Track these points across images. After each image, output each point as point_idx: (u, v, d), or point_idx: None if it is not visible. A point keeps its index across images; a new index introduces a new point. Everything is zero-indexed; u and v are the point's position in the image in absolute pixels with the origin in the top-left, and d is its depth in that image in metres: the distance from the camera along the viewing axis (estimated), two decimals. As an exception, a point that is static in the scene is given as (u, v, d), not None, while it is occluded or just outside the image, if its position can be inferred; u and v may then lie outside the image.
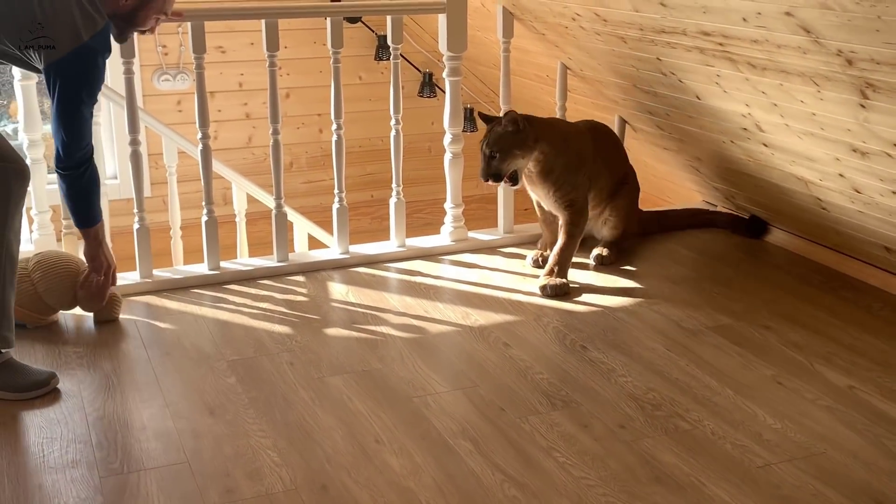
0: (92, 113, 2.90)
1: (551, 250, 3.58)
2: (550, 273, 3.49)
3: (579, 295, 3.45)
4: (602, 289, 3.50)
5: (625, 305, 3.35)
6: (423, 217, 5.80)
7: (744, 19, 2.48)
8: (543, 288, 3.45)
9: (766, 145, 3.21)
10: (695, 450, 2.45)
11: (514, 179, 3.42)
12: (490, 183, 3.40)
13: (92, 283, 3.10)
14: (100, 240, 3.06)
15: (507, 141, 3.35)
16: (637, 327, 3.18)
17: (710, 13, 2.57)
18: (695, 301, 3.37)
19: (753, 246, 3.92)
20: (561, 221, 3.54)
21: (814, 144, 2.91)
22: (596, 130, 3.72)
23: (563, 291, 3.44)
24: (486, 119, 3.47)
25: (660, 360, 2.95)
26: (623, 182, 3.73)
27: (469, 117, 5.74)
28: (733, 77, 2.88)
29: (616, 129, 4.18)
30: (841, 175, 2.98)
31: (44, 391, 2.73)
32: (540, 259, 3.68)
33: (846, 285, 3.51)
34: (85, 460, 2.41)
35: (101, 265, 3.09)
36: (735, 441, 2.49)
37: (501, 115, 3.54)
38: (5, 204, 2.72)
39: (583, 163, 3.53)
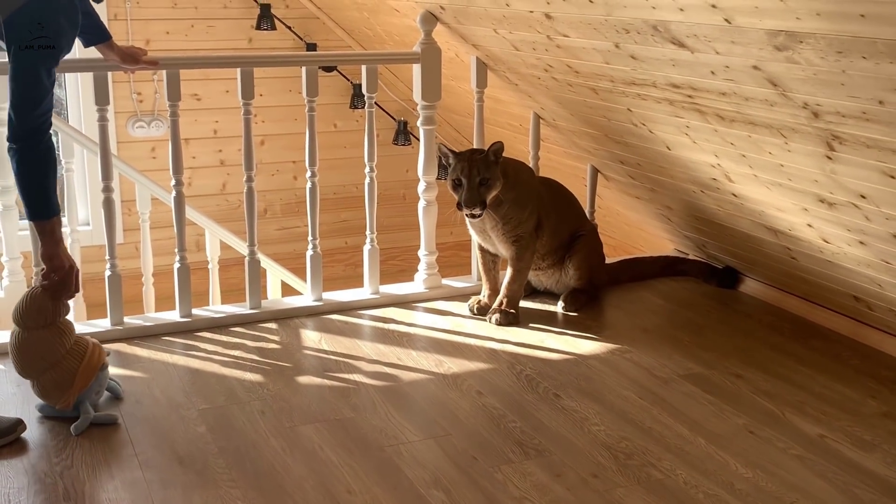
0: (53, 82, 2.72)
1: (493, 299, 3.70)
2: (500, 305, 3.64)
3: (552, 343, 3.46)
4: (575, 336, 3.51)
5: (597, 353, 3.36)
6: (398, 264, 5.81)
7: (712, 72, 2.52)
8: (491, 318, 3.62)
9: (735, 195, 3.25)
10: (667, 499, 2.45)
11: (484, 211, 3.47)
12: (476, 211, 3.43)
13: (53, 282, 2.79)
14: (57, 237, 2.77)
15: (492, 170, 3.43)
16: (610, 375, 3.19)
17: (679, 66, 2.62)
18: (667, 349, 3.38)
19: (724, 295, 3.95)
20: (508, 256, 3.63)
21: (782, 195, 2.95)
22: (547, 183, 3.80)
23: (511, 321, 3.61)
24: (453, 152, 3.48)
25: (632, 408, 2.95)
26: (579, 234, 3.78)
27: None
28: (702, 128, 2.92)
29: (588, 178, 4.23)
30: (809, 225, 3.01)
31: (9, 439, 2.69)
32: (476, 308, 3.73)
33: (816, 334, 3.54)
34: (51, 511, 2.38)
35: (61, 264, 2.79)
36: (707, 491, 2.49)
37: (473, 147, 3.57)
38: None
39: (529, 199, 3.59)
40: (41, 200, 2.75)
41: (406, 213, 5.78)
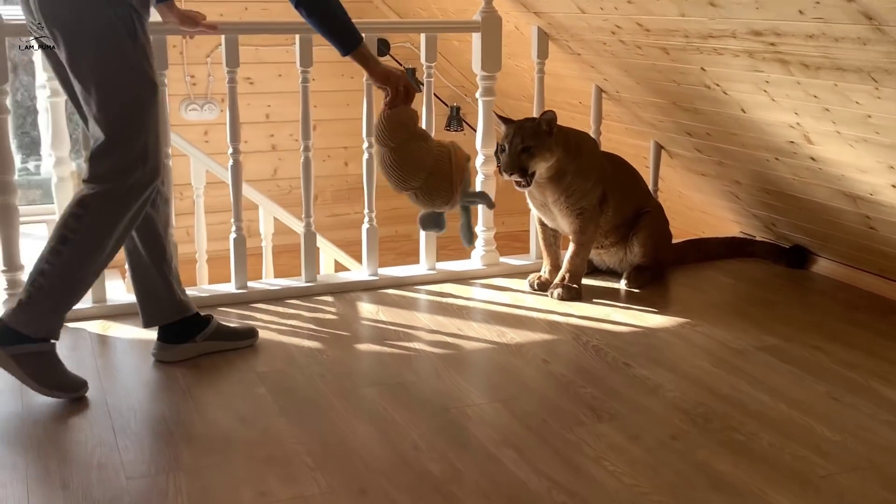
0: None
1: (553, 275, 3.60)
2: (562, 280, 3.53)
3: (618, 317, 3.34)
4: (641, 311, 3.39)
5: (666, 326, 3.24)
6: (448, 254, 5.68)
7: (800, 11, 2.40)
8: (553, 293, 3.51)
9: (813, 159, 3.12)
10: (752, 460, 2.32)
11: (530, 180, 3.34)
12: (516, 178, 3.31)
13: (401, 93, 2.84)
14: (375, 56, 2.86)
15: (541, 139, 3.31)
16: (681, 346, 3.07)
17: (764, 8, 2.50)
18: (739, 323, 3.25)
19: (795, 274, 3.81)
20: (571, 230, 3.52)
21: (866, 152, 2.81)
22: (611, 159, 3.68)
23: (574, 296, 3.50)
24: (505, 119, 3.40)
25: (708, 376, 2.83)
26: (643, 211, 3.66)
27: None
28: (783, 82, 2.80)
29: (651, 156, 4.11)
30: (894, 186, 2.88)
31: (69, 396, 2.64)
32: (536, 283, 3.63)
33: (894, 310, 3.39)
34: (111, 463, 2.30)
35: (398, 74, 2.84)
36: (794, 452, 2.36)
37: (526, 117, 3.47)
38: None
39: (592, 170, 3.47)
40: (349, 29, 2.79)
41: (458, 201, 5.67)
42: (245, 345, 3.01)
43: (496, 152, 3.42)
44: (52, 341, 2.65)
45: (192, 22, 3.17)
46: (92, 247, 2.61)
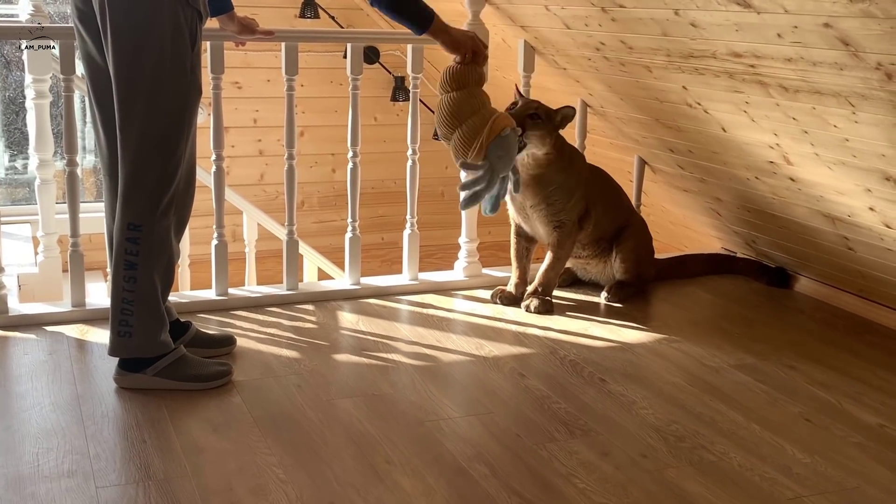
0: None
1: (519, 289, 3.60)
2: (535, 292, 3.54)
3: (596, 331, 3.36)
4: (620, 326, 3.40)
5: (644, 342, 3.25)
6: (435, 262, 5.71)
7: (778, 35, 2.41)
8: (527, 306, 3.51)
9: (792, 180, 3.14)
10: (721, 481, 2.33)
11: (516, 185, 3.29)
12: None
13: (470, 56, 3.04)
14: (446, 28, 3.01)
15: (548, 119, 3.33)
16: (657, 363, 3.08)
17: (743, 30, 2.52)
18: (716, 341, 3.27)
19: (774, 292, 3.83)
20: (549, 242, 3.54)
21: (844, 175, 2.83)
22: (596, 172, 3.68)
23: (546, 310, 3.51)
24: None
25: (682, 394, 2.84)
26: (627, 226, 3.67)
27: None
28: (762, 103, 2.81)
29: (635, 170, 4.13)
30: (871, 209, 2.89)
31: (226, 379, 2.81)
32: (500, 297, 3.61)
33: (871, 330, 3.41)
34: (81, 471, 2.30)
35: (466, 42, 3.02)
36: (763, 474, 2.37)
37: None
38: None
39: (577, 187, 3.49)
40: (422, 11, 2.96)
41: (444, 210, 5.69)
42: (222, 352, 3.02)
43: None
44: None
45: (250, 30, 3.20)
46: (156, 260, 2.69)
